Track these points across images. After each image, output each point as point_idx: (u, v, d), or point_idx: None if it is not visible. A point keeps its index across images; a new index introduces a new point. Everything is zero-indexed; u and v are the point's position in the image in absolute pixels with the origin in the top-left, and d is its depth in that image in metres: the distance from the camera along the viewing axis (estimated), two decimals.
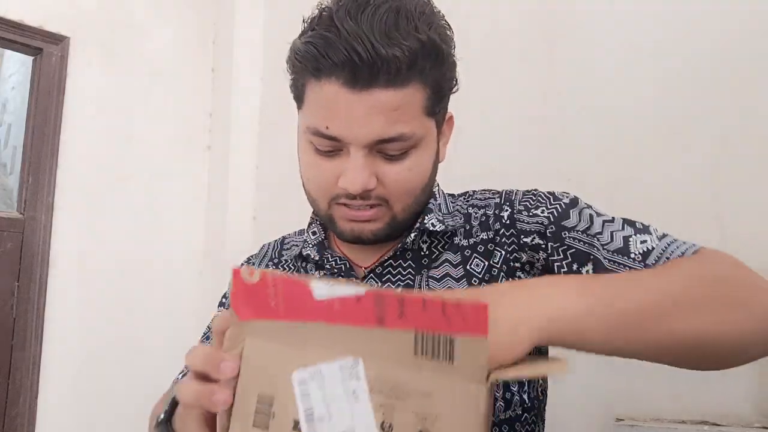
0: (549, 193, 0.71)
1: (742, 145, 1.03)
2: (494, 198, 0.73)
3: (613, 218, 0.66)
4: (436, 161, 0.70)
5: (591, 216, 0.66)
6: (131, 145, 2.08)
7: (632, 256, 0.61)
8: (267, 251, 0.84)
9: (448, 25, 0.65)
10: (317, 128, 0.63)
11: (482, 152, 1.43)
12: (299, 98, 0.67)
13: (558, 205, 0.68)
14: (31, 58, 1.96)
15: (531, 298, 0.46)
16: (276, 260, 0.81)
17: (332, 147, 0.63)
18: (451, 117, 0.73)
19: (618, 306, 0.48)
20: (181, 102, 2.22)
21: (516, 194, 0.72)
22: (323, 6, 0.63)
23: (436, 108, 0.66)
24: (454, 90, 0.68)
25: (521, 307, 0.45)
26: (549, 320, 0.45)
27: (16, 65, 3.35)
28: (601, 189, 1.20)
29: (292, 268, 0.79)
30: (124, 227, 2.02)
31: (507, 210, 0.70)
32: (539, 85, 1.35)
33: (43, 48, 1.91)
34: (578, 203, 0.68)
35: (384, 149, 0.62)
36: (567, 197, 0.69)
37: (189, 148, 2.22)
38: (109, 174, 2.01)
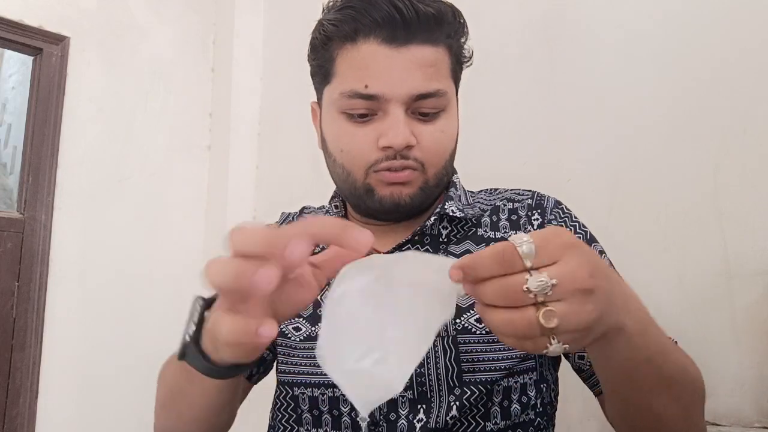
0: (576, 217, 0.73)
1: (742, 145, 1.03)
2: (526, 198, 0.74)
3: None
4: (458, 131, 0.72)
5: (610, 263, 0.69)
6: (131, 145, 2.08)
7: None
8: (286, 218, 0.84)
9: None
10: (355, 89, 0.64)
11: (482, 152, 1.43)
12: (327, 74, 0.68)
13: (583, 233, 0.71)
14: (31, 58, 1.96)
15: (624, 295, 0.45)
16: None
17: (368, 109, 0.64)
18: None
19: (651, 348, 0.50)
20: (181, 102, 2.21)
21: (548, 201, 0.74)
22: None
23: (458, 75, 0.70)
24: (468, 64, 0.73)
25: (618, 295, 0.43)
26: (622, 322, 0.44)
27: (16, 65, 3.35)
28: (601, 188, 1.20)
29: None
30: (124, 227, 2.02)
31: (538, 219, 0.71)
32: (539, 85, 1.35)
33: (43, 48, 1.91)
34: (598, 243, 0.72)
35: (420, 107, 0.64)
36: (589, 232, 0.72)
37: (189, 148, 2.22)
38: (109, 174, 2.01)
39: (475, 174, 1.40)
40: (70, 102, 1.94)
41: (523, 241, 0.38)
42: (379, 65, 0.62)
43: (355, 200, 0.70)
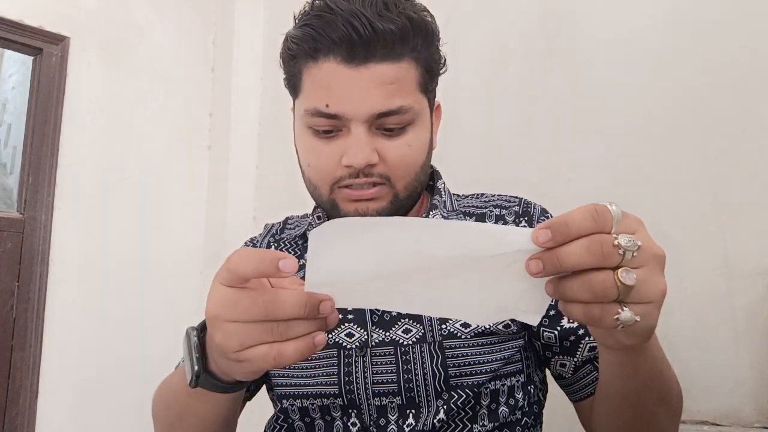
0: None
1: (742, 145, 1.03)
2: (513, 204, 0.74)
3: None
4: (432, 142, 0.71)
5: None
6: (131, 145, 2.08)
7: None
8: (270, 230, 0.84)
9: (429, 11, 0.68)
10: (317, 108, 0.64)
11: (482, 152, 1.43)
12: (295, 87, 0.69)
13: None
14: (31, 58, 1.96)
15: None
16: (277, 237, 0.82)
17: (332, 126, 0.65)
18: (438, 106, 0.74)
19: (664, 360, 0.53)
20: (181, 102, 2.22)
21: (534, 209, 0.74)
22: None
23: (429, 86, 0.68)
24: (442, 71, 0.71)
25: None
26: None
27: (16, 65, 3.34)
28: (600, 189, 1.20)
29: (292, 245, 0.79)
30: (124, 227, 2.02)
31: (525, 226, 0.71)
32: (539, 86, 1.35)
33: (43, 48, 1.91)
34: None
35: (384, 124, 0.64)
36: None
37: (189, 148, 2.22)
38: (109, 174, 2.01)
39: (476, 174, 1.40)
40: (70, 102, 1.94)
41: (610, 204, 0.39)
42: (340, 85, 0.62)
43: (325, 212, 0.72)
